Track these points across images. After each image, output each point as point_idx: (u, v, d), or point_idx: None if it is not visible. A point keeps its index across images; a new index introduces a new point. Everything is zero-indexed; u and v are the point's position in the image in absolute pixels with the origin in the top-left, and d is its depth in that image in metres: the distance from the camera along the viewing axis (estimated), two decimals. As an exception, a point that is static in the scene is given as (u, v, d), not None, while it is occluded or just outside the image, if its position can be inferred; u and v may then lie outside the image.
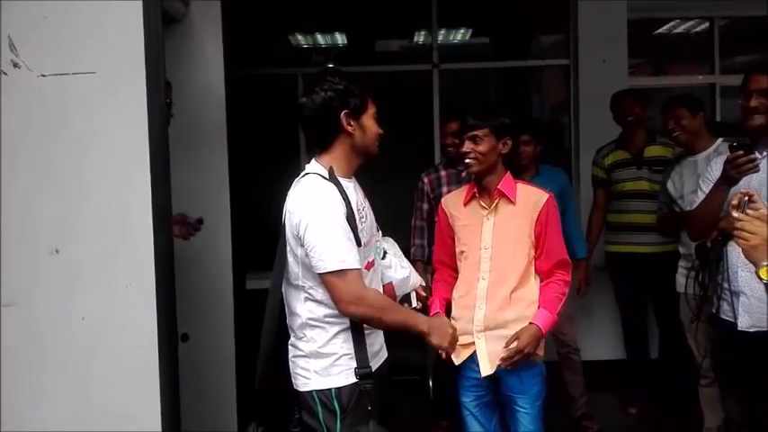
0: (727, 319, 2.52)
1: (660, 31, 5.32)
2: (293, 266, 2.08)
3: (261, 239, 3.24)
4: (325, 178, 2.05)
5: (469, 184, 2.60)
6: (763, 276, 1.78)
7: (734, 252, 2.47)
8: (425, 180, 3.72)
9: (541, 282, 2.53)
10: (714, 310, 2.62)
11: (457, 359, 2.52)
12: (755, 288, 2.37)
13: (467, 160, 2.48)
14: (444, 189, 3.60)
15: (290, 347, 2.17)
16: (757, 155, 2.44)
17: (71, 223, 2.02)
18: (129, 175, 2.03)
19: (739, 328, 2.46)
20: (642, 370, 4.13)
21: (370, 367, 2.08)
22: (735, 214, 1.84)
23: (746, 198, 1.84)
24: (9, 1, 1.97)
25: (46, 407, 2.02)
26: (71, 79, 2.00)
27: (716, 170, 2.60)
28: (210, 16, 3.49)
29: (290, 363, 2.16)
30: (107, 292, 2.03)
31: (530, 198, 2.51)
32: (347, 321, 2.07)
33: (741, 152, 2.39)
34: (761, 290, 1.91)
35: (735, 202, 1.86)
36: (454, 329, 2.28)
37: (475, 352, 2.49)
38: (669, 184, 3.42)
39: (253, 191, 4.28)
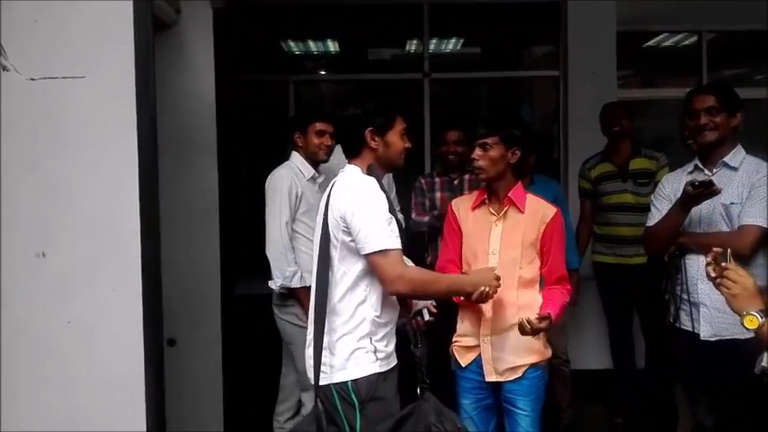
0: (686, 329, 2.60)
1: (649, 43, 5.38)
2: (334, 254, 2.18)
3: (250, 245, 3.25)
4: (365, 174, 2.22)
5: (479, 191, 2.62)
6: (747, 326, 1.79)
7: (692, 265, 2.56)
8: (422, 181, 3.77)
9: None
10: (671, 320, 2.68)
11: (463, 361, 2.54)
12: (715, 299, 2.41)
13: (476, 166, 2.51)
14: (437, 194, 3.68)
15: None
16: (713, 180, 2.47)
17: (59, 227, 2.02)
18: (117, 179, 2.03)
19: (702, 338, 2.54)
20: (628, 379, 4.14)
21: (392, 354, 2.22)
22: (711, 270, 1.89)
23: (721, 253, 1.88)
24: (-1, 4, 1.98)
25: (30, 409, 2.02)
26: (60, 83, 2.01)
27: (667, 187, 2.68)
28: (202, 22, 3.49)
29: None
30: (94, 297, 2.02)
31: (538, 210, 2.52)
32: (371, 315, 2.17)
33: (702, 189, 2.43)
34: (721, 300, 1.95)
35: (709, 259, 1.92)
36: (496, 275, 2.33)
37: (479, 355, 2.50)
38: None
39: (242, 197, 4.28)
